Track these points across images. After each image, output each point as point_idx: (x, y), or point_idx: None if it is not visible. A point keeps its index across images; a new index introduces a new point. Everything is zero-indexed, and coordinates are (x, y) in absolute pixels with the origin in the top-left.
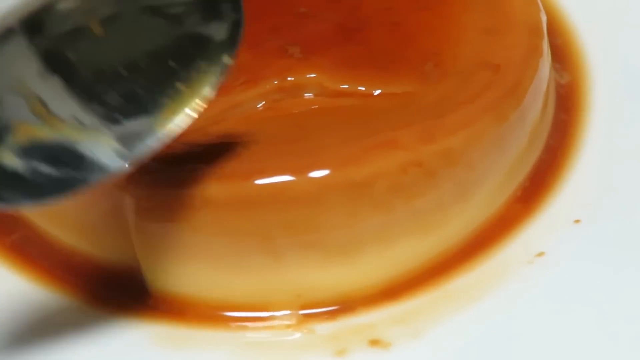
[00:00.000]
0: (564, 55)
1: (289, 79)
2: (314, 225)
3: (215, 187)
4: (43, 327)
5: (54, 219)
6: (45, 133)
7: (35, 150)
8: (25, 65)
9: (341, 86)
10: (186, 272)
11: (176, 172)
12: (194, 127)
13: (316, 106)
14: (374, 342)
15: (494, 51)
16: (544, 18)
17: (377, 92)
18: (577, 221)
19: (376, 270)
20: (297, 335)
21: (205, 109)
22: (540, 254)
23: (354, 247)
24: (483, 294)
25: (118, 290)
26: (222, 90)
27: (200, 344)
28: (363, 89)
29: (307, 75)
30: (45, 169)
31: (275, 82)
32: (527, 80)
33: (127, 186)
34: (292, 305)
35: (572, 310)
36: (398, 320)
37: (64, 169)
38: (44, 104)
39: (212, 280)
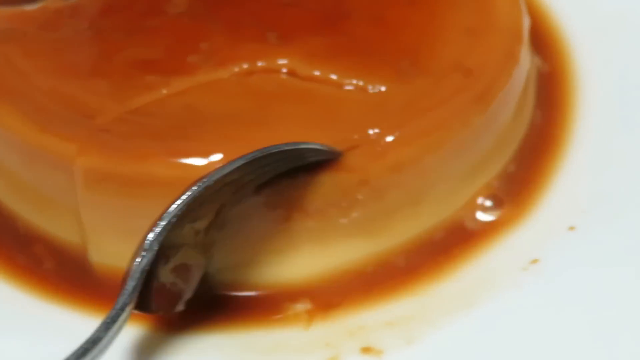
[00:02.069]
0: (550, 51)
1: (260, 63)
2: None
3: (159, 164)
4: None
5: (13, 193)
6: (194, 256)
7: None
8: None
9: (314, 72)
10: (131, 248)
11: (125, 147)
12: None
13: (284, 88)
14: (367, 350)
15: (470, 54)
16: (526, 21)
17: (349, 83)
18: (571, 228)
19: (312, 268)
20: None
21: (167, 85)
22: (535, 261)
23: (287, 246)
24: (477, 300)
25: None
26: (189, 69)
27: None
28: (335, 77)
29: (279, 61)
30: (181, 284)
31: (246, 66)
32: (498, 87)
33: (77, 157)
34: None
35: (567, 317)
36: (390, 325)
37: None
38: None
39: None
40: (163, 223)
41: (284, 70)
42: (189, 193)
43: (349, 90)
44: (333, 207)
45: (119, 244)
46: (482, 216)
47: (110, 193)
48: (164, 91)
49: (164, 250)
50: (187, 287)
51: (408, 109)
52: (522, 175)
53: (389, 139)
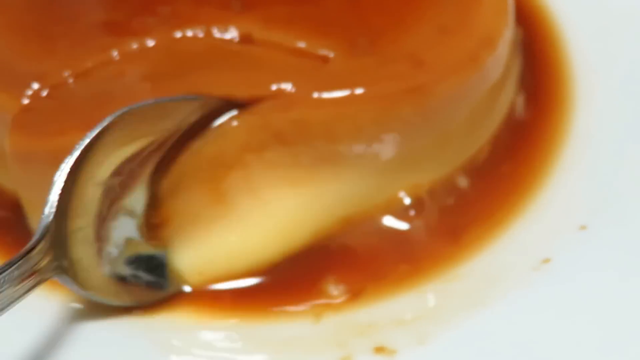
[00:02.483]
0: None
1: (214, 29)
2: None
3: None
4: None
5: None
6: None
7: (137, 261)
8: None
9: (269, 38)
10: None
11: (47, 124)
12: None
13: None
14: (379, 349)
15: (430, 49)
16: (507, 34)
17: (295, 48)
18: (583, 227)
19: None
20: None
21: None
22: (546, 260)
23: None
24: (488, 300)
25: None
26: (144, 32)
27: None
28: (285, 42)
29: (237, 26)
30: (144, 275)
31: (201, 34)
32: (447, 87)
33: (6, 138)
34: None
35: (578, 317)
36: (401, 323)
37: (155, 275)
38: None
39: None
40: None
41: (237, 34)
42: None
43: (288, 55)
44: (248, 153)
45: None
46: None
47: (37, 170)
48: (115, 53)
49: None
50: (157, 279)
51: (337, 78)
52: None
53: (299, 95)
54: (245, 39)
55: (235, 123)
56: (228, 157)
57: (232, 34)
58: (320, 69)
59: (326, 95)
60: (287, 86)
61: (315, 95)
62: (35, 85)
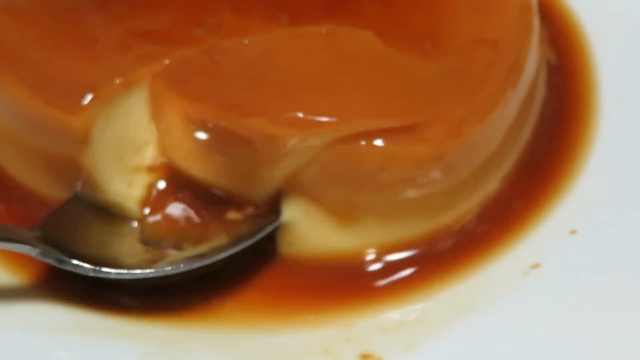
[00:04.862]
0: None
1: None
2: None
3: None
4: None
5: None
6: None
7: None
8: None
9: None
10: None
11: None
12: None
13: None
14: (365, 357)
15: (487, 28)
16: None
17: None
18: (573, 232)
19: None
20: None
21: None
22: (536, 265)
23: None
24: (477, 305)
25: None
26: (192, 40)
27: None
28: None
29: None
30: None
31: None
32: (523, 56)
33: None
34: None
35: (568, 322)
36: (388, 331)
37: None
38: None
39: None
40: None
41: None
42: None
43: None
44: (405, 182)
45: None
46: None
47: None
48: (167, 61)
49: None
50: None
51: (461, 86)
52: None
53: (463, 114)
54: None
55: (402, 146)
56: (382, 180)
57: None
58: (441, 80)
59: (480, 104)
60: (447, 105)
61: (474, 107)
62: (90, 96)
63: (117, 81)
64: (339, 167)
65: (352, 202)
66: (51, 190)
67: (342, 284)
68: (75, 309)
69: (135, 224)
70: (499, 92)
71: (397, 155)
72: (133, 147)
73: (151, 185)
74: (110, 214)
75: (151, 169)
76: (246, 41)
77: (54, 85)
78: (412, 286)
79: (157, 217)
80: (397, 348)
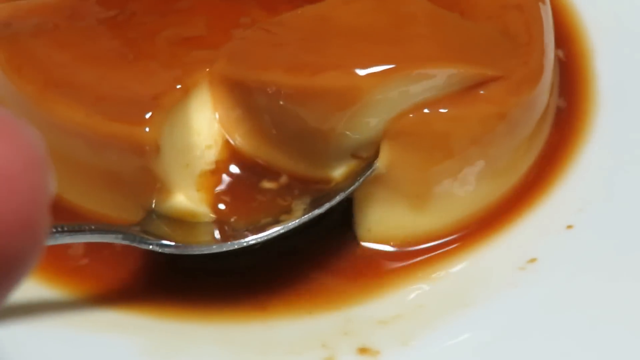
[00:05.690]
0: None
1: None
2: None
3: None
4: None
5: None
6: None
7: None
8: None
9: None
10: None
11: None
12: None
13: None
14: (363, 350)
15: None
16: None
17: None
18: (569, 227)
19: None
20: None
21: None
22: (532, 260)
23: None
24: (473, 300)
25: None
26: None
27: None
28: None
29: None
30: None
31: None
32: (540, 24)
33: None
34: None
35: (564, 318)
36: (384, 324)
37: None
38: None
39: None
40: None
41: None
42: None
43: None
44: (473, 145)
45: None
46: None
47: None
48: (218, 61)
49: None
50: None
51: (513, 46)
52: None
53: (522, 73)
54: None
55: (467, 108)
56: (454, 145)
57: None
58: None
59: (534, 64)
60: (508, 64)
61: (530, 68)
62: (154, 106)
63: (178, 87)
64: (408, 140)
65: (425, 179)
66: (122, 211)
67: (339, 279)
68: (75, 302)
69: (213, 226)
70: (545, 53)
71: (461, 117)
72: (197, 152)
73: (217, 184)
74: (186, 223)
75: (215, 171)
76: (299, 11)
77: (114, 102)
78: (408, 279)
79: (233, 208)
80: (394, 342)
